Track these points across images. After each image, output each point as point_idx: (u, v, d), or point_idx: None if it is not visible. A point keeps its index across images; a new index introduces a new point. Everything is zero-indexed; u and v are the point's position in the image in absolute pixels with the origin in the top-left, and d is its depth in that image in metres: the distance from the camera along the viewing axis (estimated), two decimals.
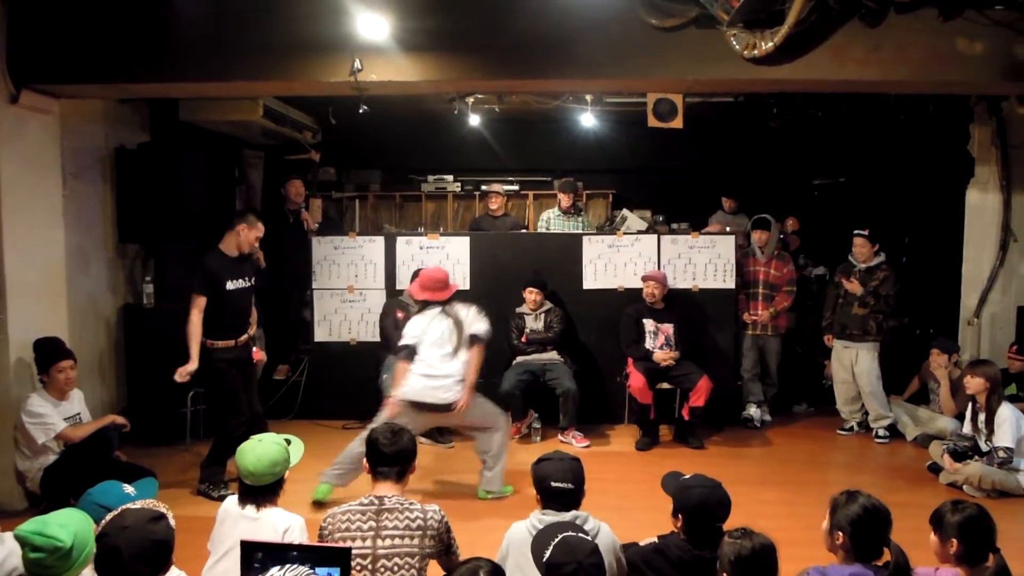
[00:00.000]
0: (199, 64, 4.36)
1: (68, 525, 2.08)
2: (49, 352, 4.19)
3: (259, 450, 2.61)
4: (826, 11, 2.81)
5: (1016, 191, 5.86)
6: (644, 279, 5.64)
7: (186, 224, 5.46)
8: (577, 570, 2.07)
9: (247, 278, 4.50)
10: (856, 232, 5.64)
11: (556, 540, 2.16)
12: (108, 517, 2.09)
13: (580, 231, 6.52)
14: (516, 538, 2.56)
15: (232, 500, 2.66)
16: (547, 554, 2.14)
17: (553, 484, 2.58)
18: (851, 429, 5.80)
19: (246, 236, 4.38)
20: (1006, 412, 4.45)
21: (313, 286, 6.03)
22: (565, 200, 6.72)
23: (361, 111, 4.79)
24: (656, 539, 2.61)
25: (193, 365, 4.23)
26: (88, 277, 5.22)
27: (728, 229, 6.31)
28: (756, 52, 3.42)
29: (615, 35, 4.27)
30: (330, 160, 7.64)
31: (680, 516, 2.54)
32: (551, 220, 6.78)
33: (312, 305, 6.05)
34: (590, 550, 2.13)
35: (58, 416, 4.11)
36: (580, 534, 2.25)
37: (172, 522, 2.13)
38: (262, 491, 2.61)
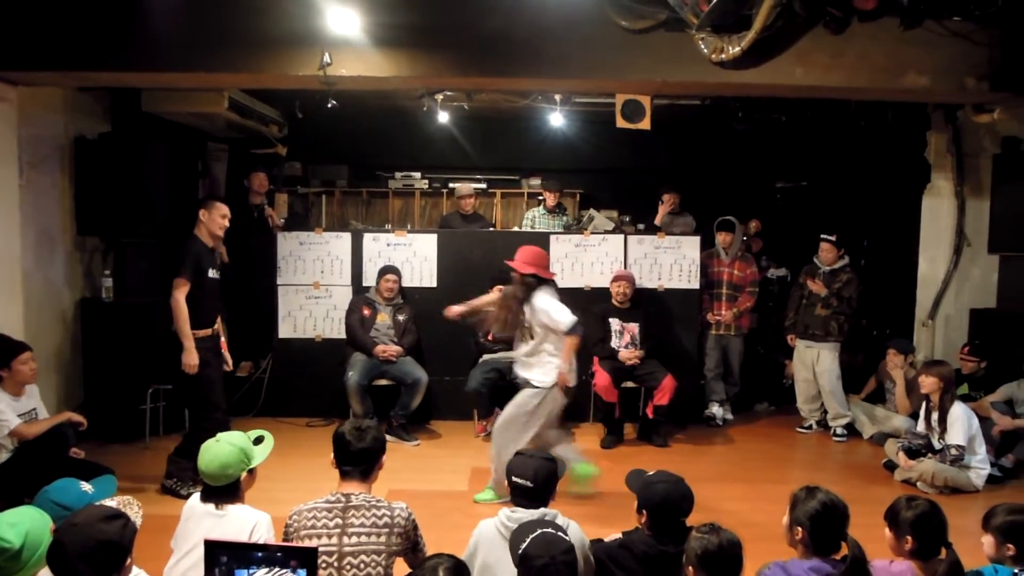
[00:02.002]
0: (164, 54, 4.28)
1: (19, 524, 2.03)
2: (6, 346, 4.06)
3: (214, 450, 2.57)
4: (792, 17, 2.86)
5: (970, 197, 6.05)
6: (614, 279, 5.67)
7: (147, 217, 5.34)
8: (549, 565, 2.12)
9: (218, 270, 4.45)
10: (823, 236, 5.75)
11: (535, 534, 2.21)
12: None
13: (564, 230, 6.49)
14: (485, 535, 2.58)
15: (196, 497, 2.62)
16: (523, 546, 2.18)
17: (513, 478, 2.63)
18: (810, 427, 5.93)
19: (210, 221, 4.28)
20: (958, 411, 4.59)
21: (278, 281, 5.95)
22: (551, 198, 6.71)
23: (329, 106, 4.75)
24: (621, 535, 2.65)
25: (192, 351, 4.13)
26: (45, 270, 5.07)
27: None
28: (723, 56, 3.46)
29: (586, 36, 4.31)
30: (296, 155, 7.53)
31: (644, 512, 2.57)
32: (536, 218, 6.76)
33: (277, 300, 5.97)
34: (565, 548, 2.18)
35: (12, 412, 3.97)
36: (560, 533, 2.29)
37: (137, 522, 2.08)
38: (220, 491, 2.58)
